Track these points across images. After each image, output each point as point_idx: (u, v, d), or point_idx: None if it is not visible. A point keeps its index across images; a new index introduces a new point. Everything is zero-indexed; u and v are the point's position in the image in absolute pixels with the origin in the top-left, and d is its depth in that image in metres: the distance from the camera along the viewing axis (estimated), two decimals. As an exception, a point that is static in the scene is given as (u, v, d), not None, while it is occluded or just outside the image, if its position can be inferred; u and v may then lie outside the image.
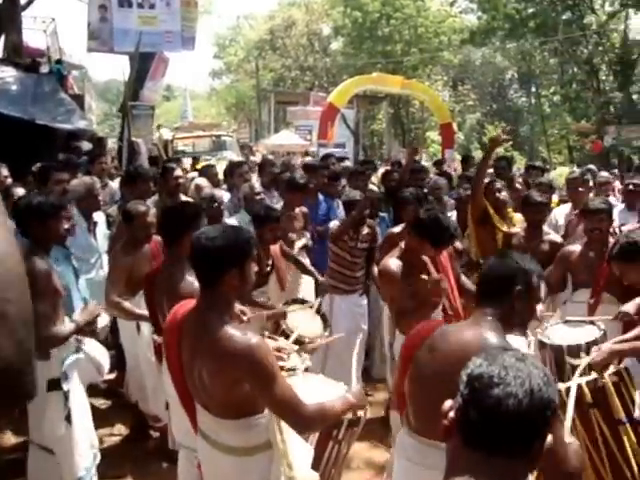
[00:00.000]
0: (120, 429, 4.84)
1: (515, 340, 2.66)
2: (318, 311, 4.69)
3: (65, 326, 3.29)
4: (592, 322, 3.82)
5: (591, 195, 6.10)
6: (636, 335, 3.39)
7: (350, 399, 2.55)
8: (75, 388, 3.43)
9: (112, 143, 13.78)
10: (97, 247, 5.24)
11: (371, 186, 6.93)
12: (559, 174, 12.17)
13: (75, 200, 4.99)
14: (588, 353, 3.35)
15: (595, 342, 3.51)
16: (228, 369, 2.25)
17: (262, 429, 2.39)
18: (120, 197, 6.19)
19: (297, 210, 5.58)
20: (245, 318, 3.47)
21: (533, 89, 36.99)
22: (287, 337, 3.93)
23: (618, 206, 6.36)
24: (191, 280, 3.14)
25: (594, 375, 3.12)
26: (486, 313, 2.23)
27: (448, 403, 1.28)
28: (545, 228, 5.08)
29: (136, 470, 4.27)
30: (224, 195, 6.21)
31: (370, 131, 35.68)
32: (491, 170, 7.24)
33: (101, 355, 3.68)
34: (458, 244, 4.66)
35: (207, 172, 7.45)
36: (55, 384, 3.30)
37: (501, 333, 2.16)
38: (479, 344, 2.07)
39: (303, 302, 4.75)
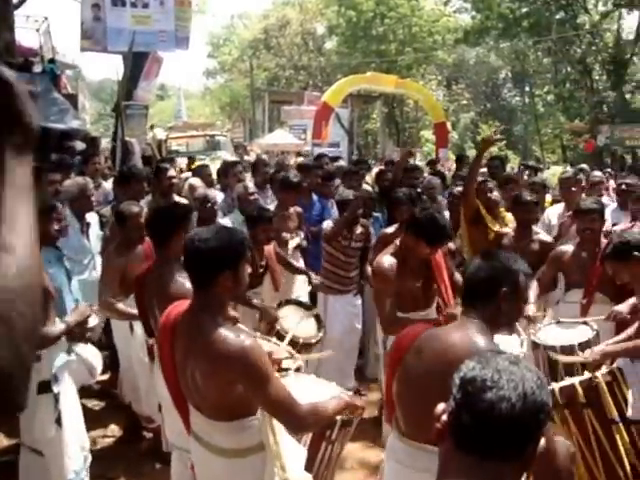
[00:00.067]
0: (113, 430, 4.83)
1: (507, 339, 2.67)
2: (312, 311, 4.69)
3: (55, 327, 3.28)
4: (585, 322, 3.84)
5: (584, 195, 6.11)
6: (628, 335, 3.40)
7: (345, 398, 2.54)
8: (66, 390, 3.42)
9: (106, 143, 13.75)
10: (90, 248, 5.21)
11: (365, 186, 6.93)
12: (552, 173, 12.18)
13: (68, 201, 4.97)
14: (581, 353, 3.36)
15: (588, 343, 3.53)
16: (222, 371, 2.24)
17: (255, 431, 2.39)
18: (113, 197, 6.16)
19: (291, 210, 5.57)
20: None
21: (527, 88, 37.08)
22: (281, 338, 3.94)
23: (611, 205, 6.37)
24: (181, 281, 3.13)
25: (587, 375, 3.13)
26: (472, 315, 2.22)
27: (441, 406, 1.27)
28: (535, 228, 5.08)
29: (129, 471, 4.26)
30: (218, 195, 6.20)
31: (364, 130, 35.71)
32: (485, 169, 7.26)
33: (93, 357, 3.66)
34: (451, 244, 4.66)
35: (201, 172, 7.43)
36: (45, 386, 3.29)
37: (488, 335, 2.16)
38: (466, 347, 2.07)
39: (297, 303, 4.75)
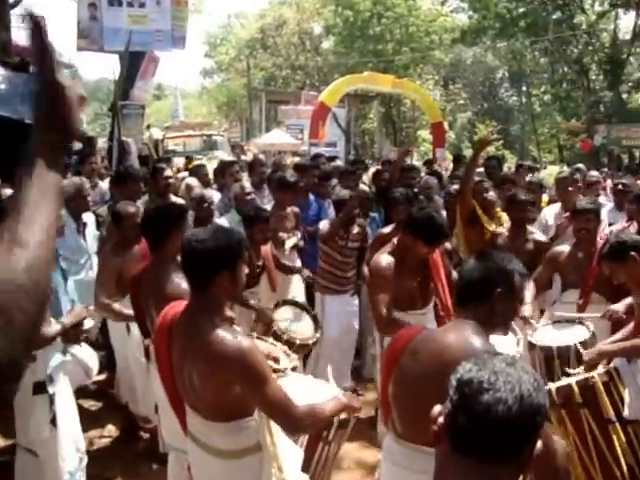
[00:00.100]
0: (110, 430, 4.82)
1: (503, 339, 2.67)
2: (308, 311, 4.69)
3: (51, 327, 3.27)
4: (581, 322, 3.84)
5: (580, 195, 6.11)
6: (624, 335, 3.41)
7: (343, 399, 2.54)
8: (62, 391, 3.41)
9: (102, 143, 13.69)
10: (86, 248, 5.20)
11: (362, 186, 6.92)
12: (549, 173, 12.19)
13: (64, 201, 4.95)
14: (578, 354, 3.37)
15: (584, 343, 3.53)
16: (220, 372, 2.24)
17: (252, 432, 2.38)
18: (110, 197, 6.15)
19: (288, 210, 5.56)
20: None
21: (524, 88, 37.16)
22: (277, 338, 3.94)
23: (607, 205, 6.38)
24: (177, 281, 3.13)
25: (584, 375, 3.14)
26: (466, 316, 2.22)
27: (437, 408, 1.27)
28: (530, 227, 5.08)
29: (126, 471, 4.25)
30: (214, 195, 6.19)
31: (361, 130, 35.72)
32: (482, 169, 7.26)
33: (89, 357, 3.65)
34: (447, 244, 4.66)
35: (198, 172, 7.42)
36: (41, 387, 3.28)
37: (483, 335, 2.15)
38: (462, 348, 2.06)
39: (294, 303, 4.75)
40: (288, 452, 2.43)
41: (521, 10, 27.31)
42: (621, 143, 24.19)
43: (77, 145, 9.49)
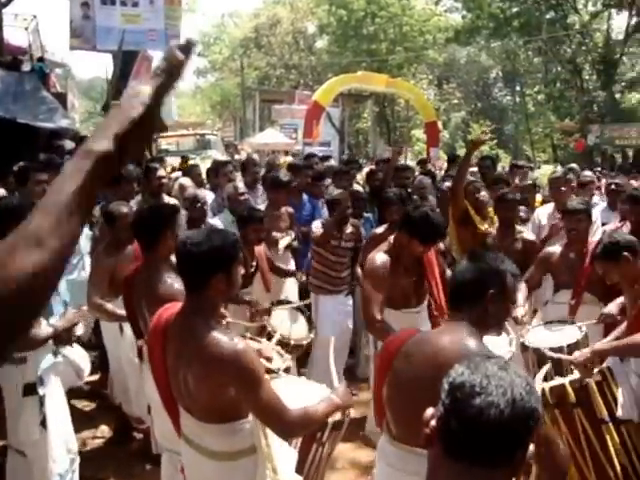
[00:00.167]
0: (103, 431, 4.80)
1: (495, 339, 2.66)
2: (303, 312, 4.68)
3: (42, 329, 3.25)
4: (573, 323, 3.84)
5: (573, 195, 6.12)
6: (616, 337, 3.41)
7: (336, 400, 2.53)
8: (53, 392, 3.40)
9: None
10: (79, 248, 5.17)
11: (356, 186, 6.91)
12: (543, 173, 12.23)
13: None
14: (570, 355, 3.36)
15: (577, 344, 3.53)
16: (214, 374, 2.23)
17: (246, 434, 2.38)
18: (103, 198, 6.11)
19: (282, 210, 5.55)
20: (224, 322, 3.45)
21: (517, 88, 37.23)
22: (271, 339, 3.93)
23: (600, 205, 6.39)
24: (170, 282, 3.12)
25: (577, 374, 3.14)
26: (460, 318, 2.21)
27: (430, 411, 1.26)
28: (518, 227, 5.08)
29: (119, 472, 4.23)
30: (208, 195, 6.17)
31: (355, 129, 35.74)
32: (475, 169, 7.26)
33: (81, 358, 3.64)
34: (440, 244, 4.66)
35: (191, 172, 7.40)
36: (31, 389, 3.27)
37: (477, 337, 2.15)
38: (456, 350, 2.06)
39: (288, 303, 4.74)
40: (282, 453, 2.43)
41: (515, 10, 27.39)
42: (614, 143, 24.29)
43: (70, 144, 9.48)
